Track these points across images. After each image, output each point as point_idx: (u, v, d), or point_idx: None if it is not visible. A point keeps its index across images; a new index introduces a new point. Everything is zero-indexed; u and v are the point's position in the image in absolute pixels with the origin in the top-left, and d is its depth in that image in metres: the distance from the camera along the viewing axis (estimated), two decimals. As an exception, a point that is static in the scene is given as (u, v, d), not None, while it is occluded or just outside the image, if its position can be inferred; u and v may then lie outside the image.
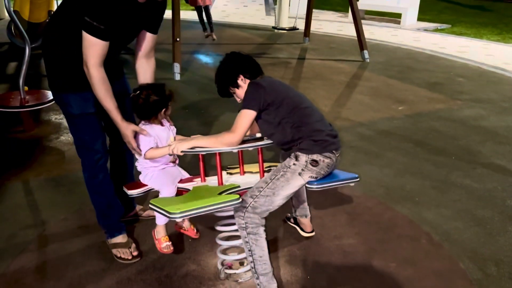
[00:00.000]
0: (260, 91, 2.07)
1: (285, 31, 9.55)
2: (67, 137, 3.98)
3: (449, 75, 6.76)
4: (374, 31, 10.30)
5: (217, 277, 2.27)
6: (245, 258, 2.16)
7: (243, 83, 2.18)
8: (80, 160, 2.34)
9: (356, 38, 7.63)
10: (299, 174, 2.07)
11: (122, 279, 2.26)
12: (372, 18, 12.38)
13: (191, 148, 2.04)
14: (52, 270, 2.32)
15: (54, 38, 2.14)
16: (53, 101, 4.15)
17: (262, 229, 2.07)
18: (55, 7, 8.43)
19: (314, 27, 9.49)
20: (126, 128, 2.15)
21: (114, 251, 2.41)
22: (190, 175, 2.39)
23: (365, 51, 7.49)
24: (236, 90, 2.20)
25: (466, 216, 2.96)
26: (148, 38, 2.31)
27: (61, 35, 2.11)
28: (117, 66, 2.42)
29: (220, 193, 2.02)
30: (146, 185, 2.27)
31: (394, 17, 12.16)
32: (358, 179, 2.22)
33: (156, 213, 2.17)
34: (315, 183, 2.11)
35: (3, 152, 3.72)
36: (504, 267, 2.45)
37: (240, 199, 1.98)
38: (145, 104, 2.15)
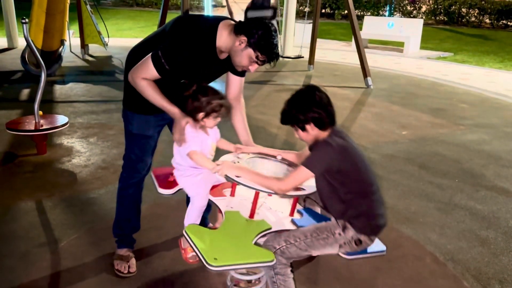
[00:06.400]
0: (329, 155, 1.92)
1: (290, 59, 9.78)
2: (78, 160, 4.09)
3: (452, 101, 6.88)
4: (377, 59, 10.51)
5: (225, 293, 2.32)
6: (254, 279, 2.19)
7: (311, 130, 2.00)
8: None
9: (359, 66, 7.81)
10: (340, 246, 2.01)
11: (133, 295, 2.33)
12: (375, 47, 12.64)
13: (236, 176, 2.01)
14: (65, 285, 2.38)
15: (133, 65, 2.20)
16: (66, 126, 4.29)
17: (289, 269, 2.03)
18: (67, 37, 8.74)
19: (318, 55, 9.71)
20: (181, 118, 2.10)
21: (115, 262, 2.52)
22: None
23: (369, 78, 7.65)
24: (300, 132, 2.04)
25: (470, 236, 3.00)
26: (236, 81, 2.39)
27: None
28: None
29: (254, 236, 1.95)
30: (177, 184, 2.27)
31: (397, 46, 12.42)
32: (385, 252, 2.13)
33: (186, 218, 2.24)
34: (345, 254, 2.06)
35: (17, 173, 3.83)
36: (508, 286, 2.48)
37: (274, 261, 1.87)
38: (188, 98, 2.09)
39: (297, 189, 2.04)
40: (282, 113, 2.04)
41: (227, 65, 2.23)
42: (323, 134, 2.00)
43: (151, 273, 2.50)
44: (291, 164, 2.28)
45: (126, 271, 2.46)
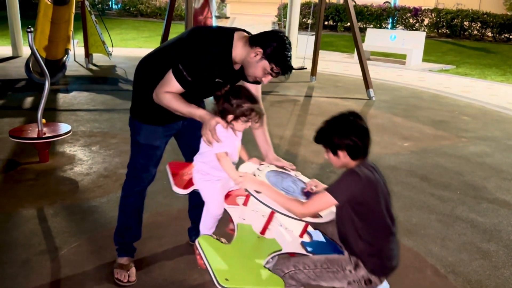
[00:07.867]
0: (356, 185, 1.86)
1: (293, 70, 9.82)
2: (80, 168, 4.10)
3: (454, 113, 6.89)
4: (379, 71, 10.54)
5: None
6: None
7: (343, 157, 1.93)
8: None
9: (362, 78, 7.85)
10: (348, 283, 1.96)
11: (133, 304, 2.32)
12: (377, 59, 12.69)
13: (256, 192, 1.95)
14: (65, 294, 2.39)
15: (144, 75, 2.25)
16: (68, 134, 4.32)
17: None
18: (71, 46, 8.81)
19: (321, 67, 9.75)
20: (211, 119, 2.04)
21: (115, 270, 2.52)
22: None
23: (371, 90, 7.67)
24: (330, 155, 1.96)
25: (472, 249, 2.99)
26: (252, 89, 2.28)
27: (152, 75, 2.20)
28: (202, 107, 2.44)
29: (265, 257, 1.92)
30: (192, 184, 2.20)
31: (399, 58, 12.46)
32: None
33: (201, 225, 2.20)
34: None
35: (19, 180, 3.84)
36: (510, 299, 2.47)
37: None
38: (219, 97, 2.05)
39: (315, 215, 1.98)
40: (318, 131, 1.97)
41: (240, 76, 2.24)
42: (352, 164, 1.94)
43: (151, 283, 2.49)
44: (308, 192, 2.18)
45: (126, 280, 2.46)
